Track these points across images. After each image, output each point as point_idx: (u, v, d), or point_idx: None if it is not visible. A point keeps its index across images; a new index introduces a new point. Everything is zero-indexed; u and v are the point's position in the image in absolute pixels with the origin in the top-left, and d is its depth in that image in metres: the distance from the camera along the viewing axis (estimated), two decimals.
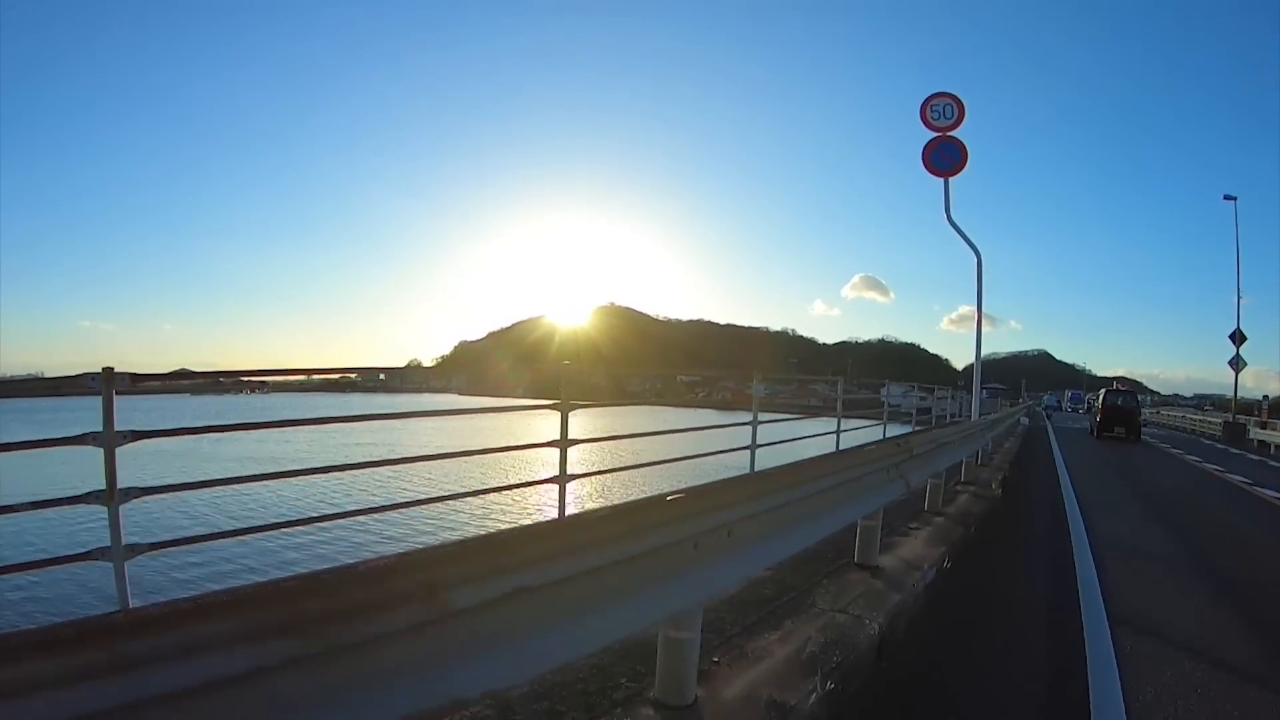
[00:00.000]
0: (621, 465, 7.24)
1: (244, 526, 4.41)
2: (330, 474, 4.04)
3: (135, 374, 2.84)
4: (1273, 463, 15.44)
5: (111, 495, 2.67)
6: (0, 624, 7.49)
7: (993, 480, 8.55)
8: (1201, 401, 74.25)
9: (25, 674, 0.85)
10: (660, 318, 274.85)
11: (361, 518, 6.86)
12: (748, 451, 9.71)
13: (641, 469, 6.85)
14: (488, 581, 1.43)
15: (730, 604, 3.29)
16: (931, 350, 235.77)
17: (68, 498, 2.72)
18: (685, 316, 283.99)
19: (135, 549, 2.78)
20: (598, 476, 11.56)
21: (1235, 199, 27.46)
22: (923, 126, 8.68)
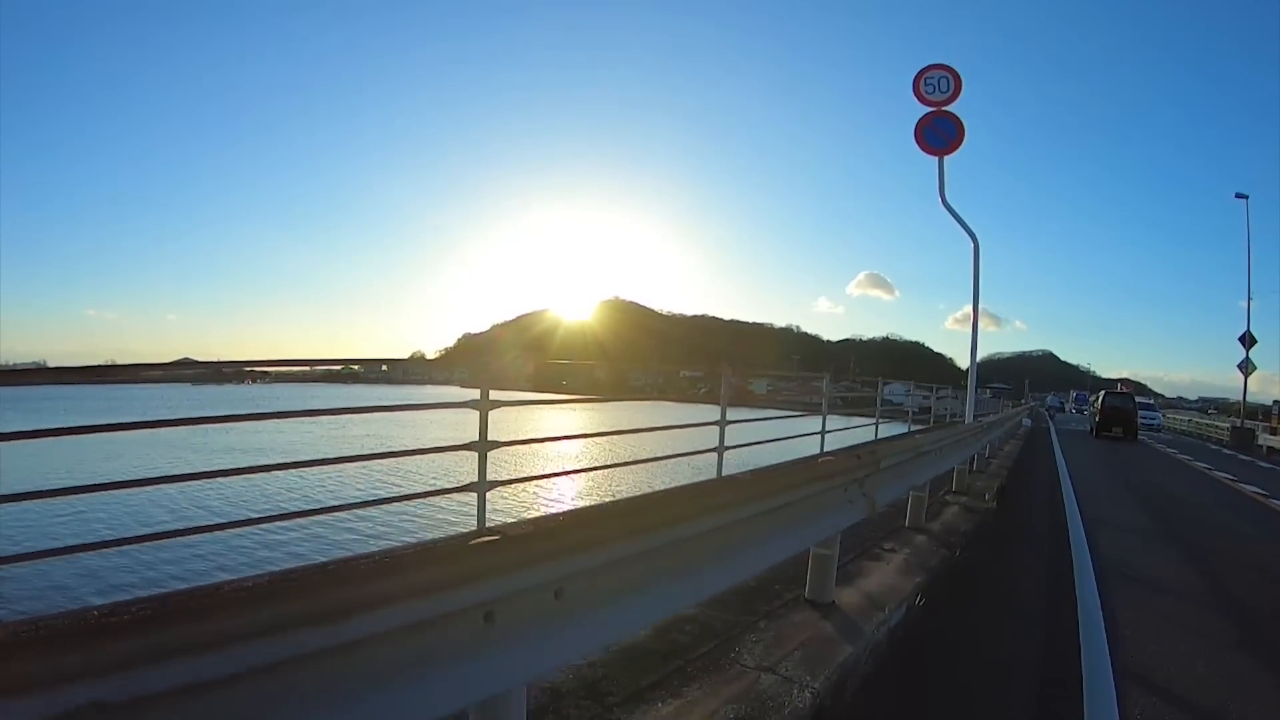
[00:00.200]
0: (575, 468, 6.55)
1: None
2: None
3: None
4: None
5: None
6: None
7: (987, 490, 7.82)
8: (1206, 405, 73.37)
9: None
10: (664, 312, 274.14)
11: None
12: (729, 454, 9.02)
13: (583, 474, 6.21)
14: None
15: (626, 657, 2.58)
16: (936, 349, 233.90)
17: None
18: (689, 312, 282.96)
19: None
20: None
21: (1247, 197, 26.51)
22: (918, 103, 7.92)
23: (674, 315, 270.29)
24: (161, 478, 3.30)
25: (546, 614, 1.54)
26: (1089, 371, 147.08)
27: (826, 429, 10.83)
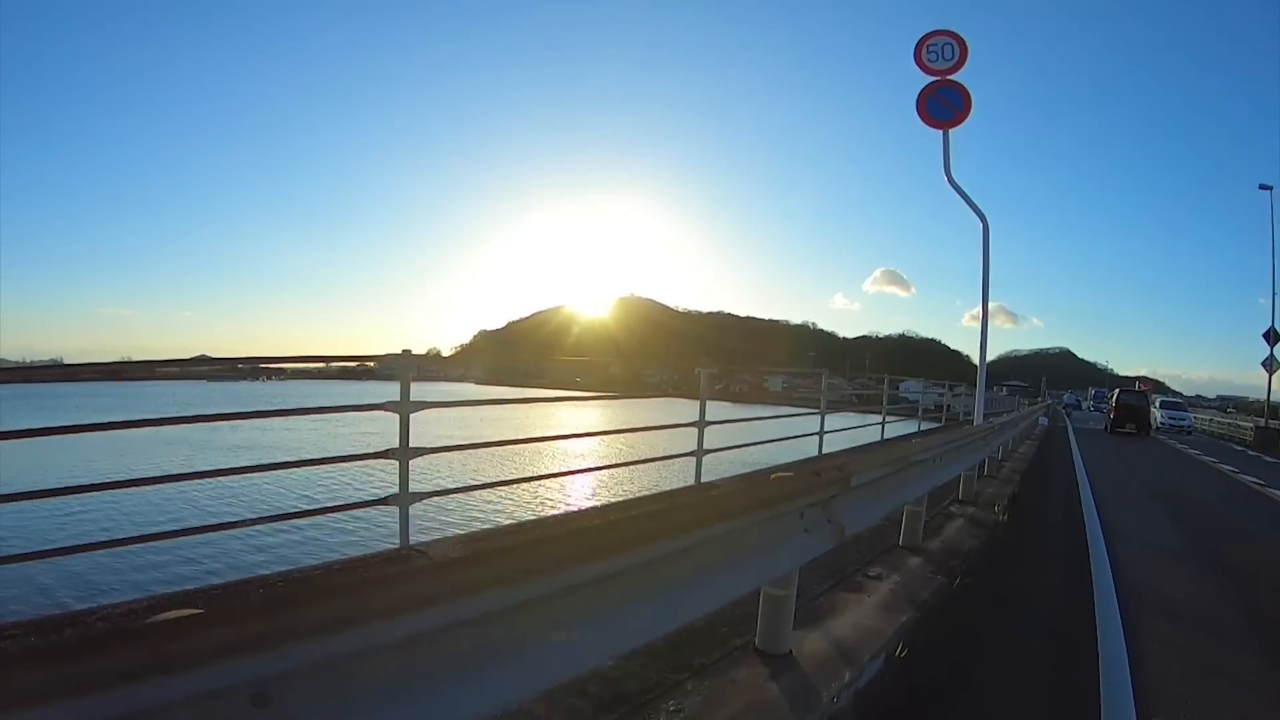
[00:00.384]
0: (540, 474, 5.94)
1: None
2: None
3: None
4: None
5: None
6: None
7: (998, 500, 7.08)
8: (1225, 403, 71.37)
9: None
10: (680, 309, 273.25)
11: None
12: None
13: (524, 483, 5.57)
14: None
15: None
16: (952, 346, 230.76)
17: None
18: (705, 309, 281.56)
19: None
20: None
21: (1271, 189, 25.25)
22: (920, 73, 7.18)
23: (689, 312, 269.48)
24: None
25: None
26: (1106, 369, 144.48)
27: (828, 429, 10.17)
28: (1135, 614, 3.99)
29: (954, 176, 7.19)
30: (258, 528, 6.30)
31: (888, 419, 13.18)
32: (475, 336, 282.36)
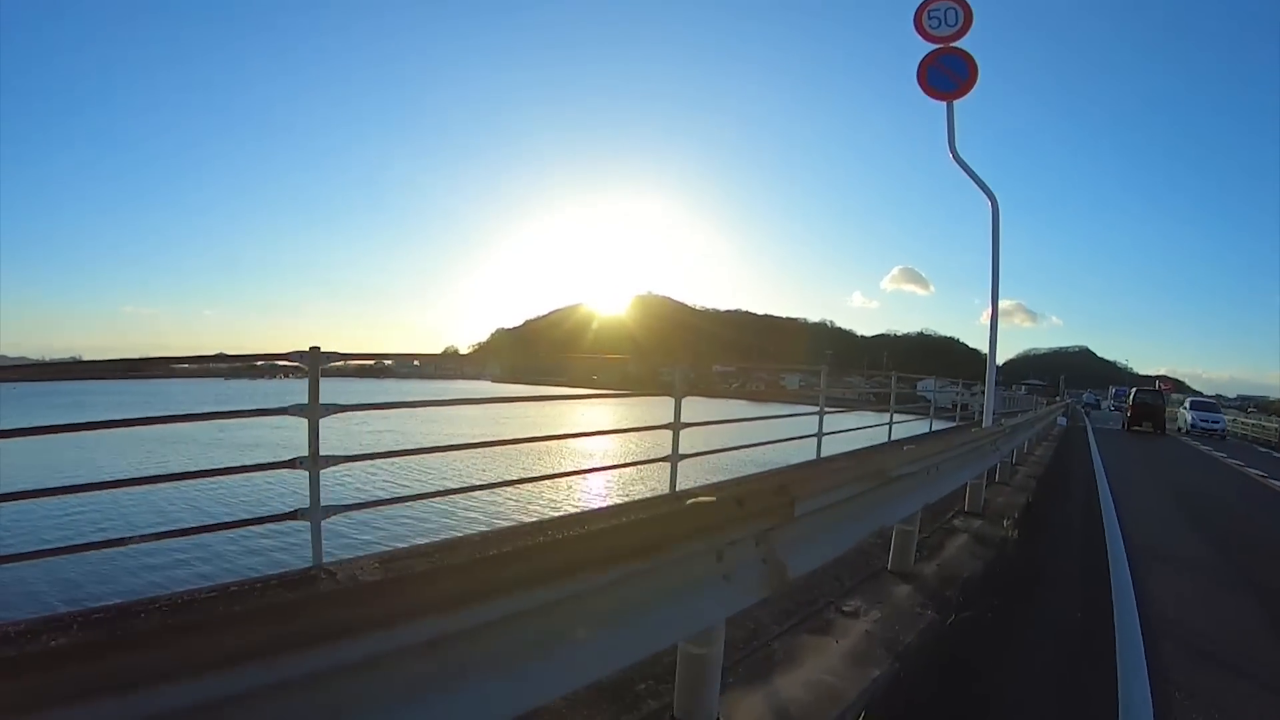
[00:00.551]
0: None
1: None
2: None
3: None
4: None
5: None
6: None
7: (1008, 512, 6.39)
8: (1246, 403, 69.29)
9: None
10: (698, 307, 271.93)
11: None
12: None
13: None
14: None
15: None
16: (971, 345, 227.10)
17: None
18: (723, 307, 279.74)
19: None
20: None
21: None
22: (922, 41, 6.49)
23: (707, 310, 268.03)
24: None
25: None
26: (1126, 368, 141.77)
27: (833, 429, 9.52)
28: (1165, 659, 3.33)
29: (960, 154, 6.50)
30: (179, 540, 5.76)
31: (900, 419, 12.52)
32: (493, 335, 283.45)
